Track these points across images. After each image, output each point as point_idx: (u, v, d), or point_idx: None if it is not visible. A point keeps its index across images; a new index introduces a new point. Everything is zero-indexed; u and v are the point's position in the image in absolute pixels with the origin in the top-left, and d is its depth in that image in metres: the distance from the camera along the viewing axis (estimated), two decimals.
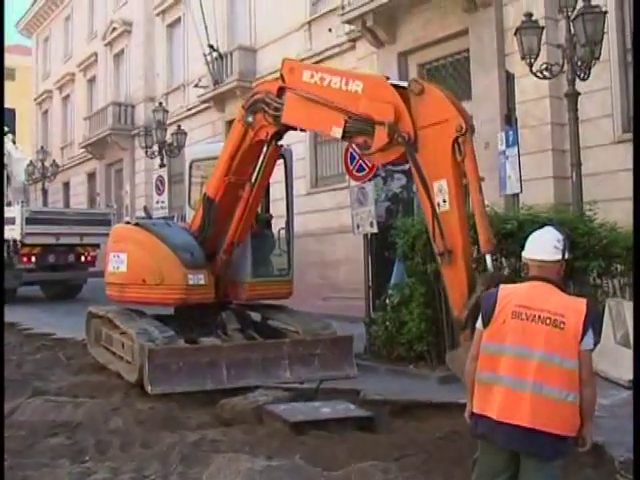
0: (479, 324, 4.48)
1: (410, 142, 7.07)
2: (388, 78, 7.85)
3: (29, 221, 20.32)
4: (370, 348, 11.58)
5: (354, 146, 11.56)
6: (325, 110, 7.94)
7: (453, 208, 6.70)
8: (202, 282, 10.08)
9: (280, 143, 9.72)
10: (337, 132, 7.85)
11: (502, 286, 4.59)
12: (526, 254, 4.56)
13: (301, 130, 9.47)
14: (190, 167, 11.87)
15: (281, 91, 8.68)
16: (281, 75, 8.70)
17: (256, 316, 11.33)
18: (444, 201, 6.75)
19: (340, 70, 8.48)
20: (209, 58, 26.75)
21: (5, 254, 20.39)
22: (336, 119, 7.80)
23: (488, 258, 6.43)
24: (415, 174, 7.05)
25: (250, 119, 9.17)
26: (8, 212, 20.54)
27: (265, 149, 9.57)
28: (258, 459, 6.33)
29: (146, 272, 10.22)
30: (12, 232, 20.24)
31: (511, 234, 10.04)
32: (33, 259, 20.69)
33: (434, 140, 6.92)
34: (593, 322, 4.25)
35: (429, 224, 6.93)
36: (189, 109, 30.35)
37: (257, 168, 9.77)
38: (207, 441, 7.09)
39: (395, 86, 7.47)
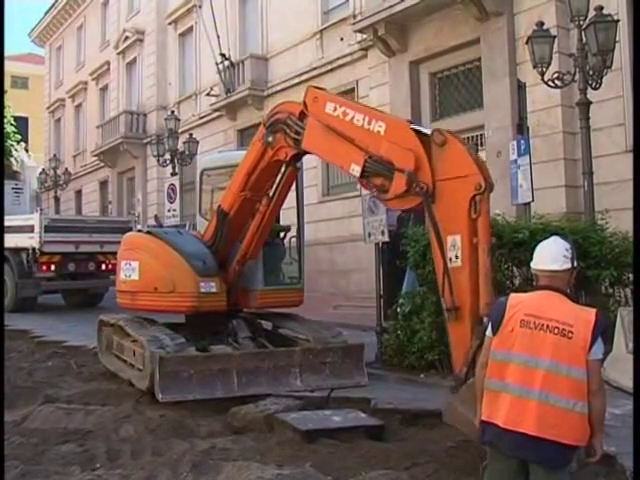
0: (489, 332, 4.49)
1: (428, 193, 6.94)
2: (411, 122, 7.71)
3: (48, 229, 19.99)
4: (381, 357, 11.57)
5: None
6: (345, 145, 7.83)
7: (465, 265, 6.59)
8: (214, 290, 10.09)
9: (298, 165, 9.71)
10: (356, 170, 7.69)
11: (512, 295, 4.61)
12: (535, 265, 4.57)
13: None
14: (201, 176, 11.89)
15: (303, 115, 8.58)
16: (304, 102, 8.56)
17: (267, 324, 11.35)
18: (456, 257, 6.64)
19: (364, 106, 8.31)
20: (221, 67, 26.81)
21: (25, 262, 20.32)
22: (356, 157, 7.67)
23: (485, 320, 6.23)
24: (430, 227, 6.96)
25: (270, 139, 9.07)
26: (26, 220, 20.49)
27: (283, 169, 9.53)
28: (269, 467, 6.32)
29: (158, 280, 10.25)
30: (30, 240, 19.94)
31: (522, 243, 10.03)
32: (52, 267, 20.38)
33: (452, 195, 6.79)
34: (602, 332, 4.24)
35: (439, 279, 6.83)
36: (201, 117, 30.44)
37: (274, 186, 9.75)
38: (218, 449, 7.10)
39: (416, 131, 7.33)
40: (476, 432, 4.65)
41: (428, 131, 7.22)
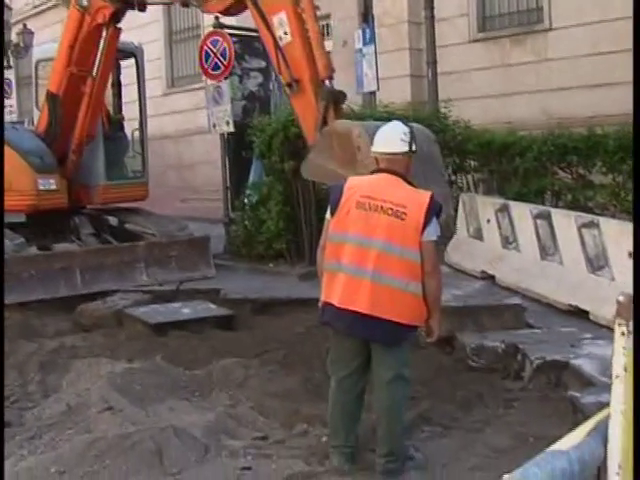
0: (328, 214, 4.50)
1: None
2: None
3: None
4: (229, 248, 11.57)
5: (209, 43, 11.32)
6: None
7: (295, 39, 6.80)
8: (53, 187, 9.80)
9: (120, 25, 9.51)
10: None
11: (350, 178, 4.62)
12: (375, 148, 4.56)
13: (140, 10, 9.21)
14: (36, 67, 11.38)
15: None
16: None
17: (113, 220, 11.12)
18: (285, 33, 6.84)
19: None
20: None
21: None
22: None
23: (327, 83, 6.64)
24: (253, 9, 7.10)
25: (85, 2, 8.99)
26: None
27: (104, 33, 9.37)
28: (119, 362, 6.30)
29: None
30: None
31: None
32: None
33: None
34: (436, 214, 4.30)
35: (272, 57, 7.03)
36: (35, 7, 28.80)
37: (98, 57, 9.58)
38: (66, 348, 6.99)
39: None
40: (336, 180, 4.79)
41: None
